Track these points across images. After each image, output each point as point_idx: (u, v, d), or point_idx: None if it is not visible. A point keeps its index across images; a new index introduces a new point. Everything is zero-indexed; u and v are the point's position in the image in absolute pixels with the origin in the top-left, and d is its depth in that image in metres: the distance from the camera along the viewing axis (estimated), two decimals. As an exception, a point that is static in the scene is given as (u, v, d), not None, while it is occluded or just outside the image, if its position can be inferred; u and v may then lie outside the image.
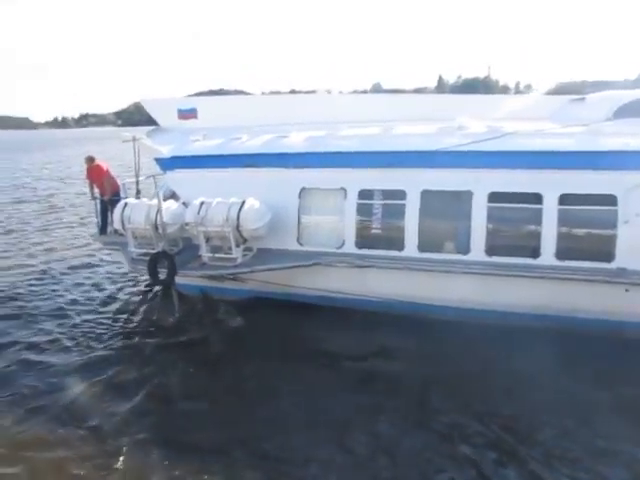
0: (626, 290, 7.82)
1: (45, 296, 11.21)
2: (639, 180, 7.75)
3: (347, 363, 8.02)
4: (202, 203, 9.01)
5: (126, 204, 9.69)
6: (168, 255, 9.07)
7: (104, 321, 9.85)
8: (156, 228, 9.28)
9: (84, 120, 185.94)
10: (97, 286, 11.85)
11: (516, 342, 7.72)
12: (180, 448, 6.20)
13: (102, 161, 12.09)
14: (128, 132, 11.09)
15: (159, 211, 9.13)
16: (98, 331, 9.40)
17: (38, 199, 25.22)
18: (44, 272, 12.89)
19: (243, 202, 8.80)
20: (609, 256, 7.87)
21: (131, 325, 9.76)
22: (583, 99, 10.36)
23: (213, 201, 8.98)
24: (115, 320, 9.93)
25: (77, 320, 9.89)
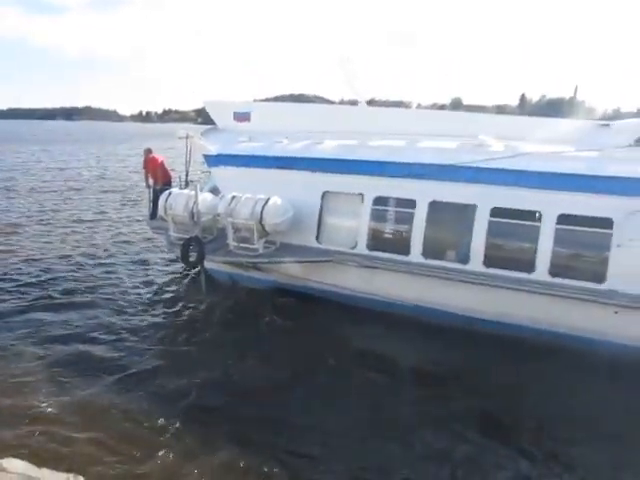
0: (615, 312, 8.14)
1: (104, 280, 12.29)
2: (636, 206, 8.07)
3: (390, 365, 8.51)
4: (233, 197, 10.05)
5: (170, 193, 10.91)
6: (199, 241, 10.18)
7: (144, 301, 11.10)
8: (192, 216, 10.41)
9: (166, 115, 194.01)
10: (148, 272, 13.12)
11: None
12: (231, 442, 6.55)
13: (158, 154, 13.44)
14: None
15: (195, 201, 10.26)
16: (137, 307, 10.66)
17: (118, 190, 26.80)
18: (105, 259, 14.02)
19: (268, 199, 9.76)
20: (601, 277, 8.22)
21: (166, 305, 10.90)
22: (608, 125, 10.56)
23: (243, 196, 9.99)
24: (155, 302, 11.05)
25: (122, 303, 10.92)
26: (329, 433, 6.77)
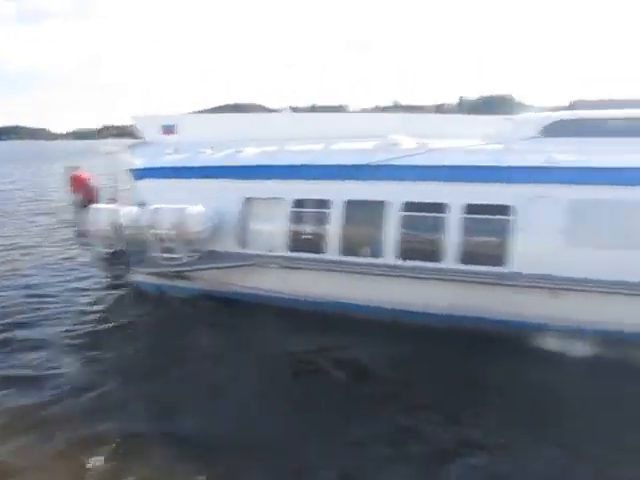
0: (519, 293, 8.68)
1: (36, 310, 11.47)
2: (531, 193, 8.67)
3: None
4: (155, 208, 10.14)
5: (93, 209, 10.88)
6: (123, 254, 10.21)
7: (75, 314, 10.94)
8: (116, 230, 10.42)
9: (105, 131, 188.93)
10: (76, 287, 12.81)
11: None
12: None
13: (82, 172, 13.35)
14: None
15: (117, 215, 10.29)
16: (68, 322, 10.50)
17: (51, 212, 25.11)
18: (37, 288, 13.06)
19: (188, 209, 9.89)
20: (505, 261, 8.75)
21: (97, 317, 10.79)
22: (512, 119, 11.20)
23: (164, 207, 10.09)
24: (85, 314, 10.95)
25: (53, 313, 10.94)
26: (277, 448, 6.60)
